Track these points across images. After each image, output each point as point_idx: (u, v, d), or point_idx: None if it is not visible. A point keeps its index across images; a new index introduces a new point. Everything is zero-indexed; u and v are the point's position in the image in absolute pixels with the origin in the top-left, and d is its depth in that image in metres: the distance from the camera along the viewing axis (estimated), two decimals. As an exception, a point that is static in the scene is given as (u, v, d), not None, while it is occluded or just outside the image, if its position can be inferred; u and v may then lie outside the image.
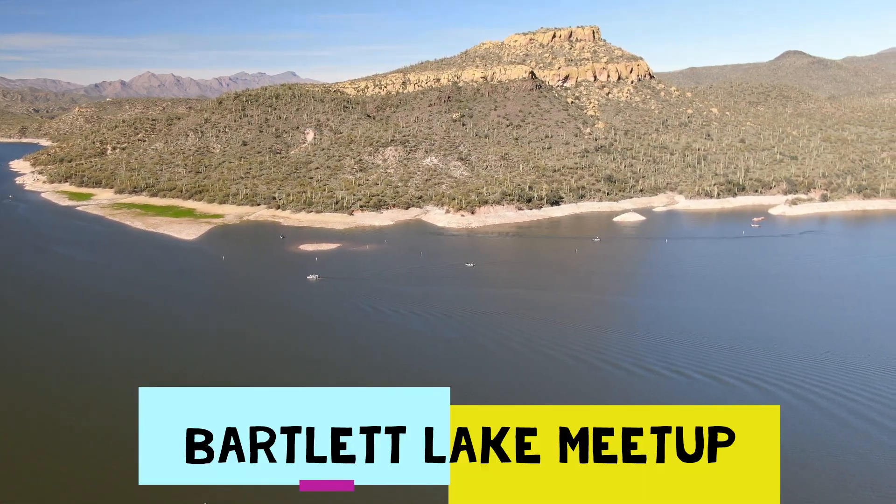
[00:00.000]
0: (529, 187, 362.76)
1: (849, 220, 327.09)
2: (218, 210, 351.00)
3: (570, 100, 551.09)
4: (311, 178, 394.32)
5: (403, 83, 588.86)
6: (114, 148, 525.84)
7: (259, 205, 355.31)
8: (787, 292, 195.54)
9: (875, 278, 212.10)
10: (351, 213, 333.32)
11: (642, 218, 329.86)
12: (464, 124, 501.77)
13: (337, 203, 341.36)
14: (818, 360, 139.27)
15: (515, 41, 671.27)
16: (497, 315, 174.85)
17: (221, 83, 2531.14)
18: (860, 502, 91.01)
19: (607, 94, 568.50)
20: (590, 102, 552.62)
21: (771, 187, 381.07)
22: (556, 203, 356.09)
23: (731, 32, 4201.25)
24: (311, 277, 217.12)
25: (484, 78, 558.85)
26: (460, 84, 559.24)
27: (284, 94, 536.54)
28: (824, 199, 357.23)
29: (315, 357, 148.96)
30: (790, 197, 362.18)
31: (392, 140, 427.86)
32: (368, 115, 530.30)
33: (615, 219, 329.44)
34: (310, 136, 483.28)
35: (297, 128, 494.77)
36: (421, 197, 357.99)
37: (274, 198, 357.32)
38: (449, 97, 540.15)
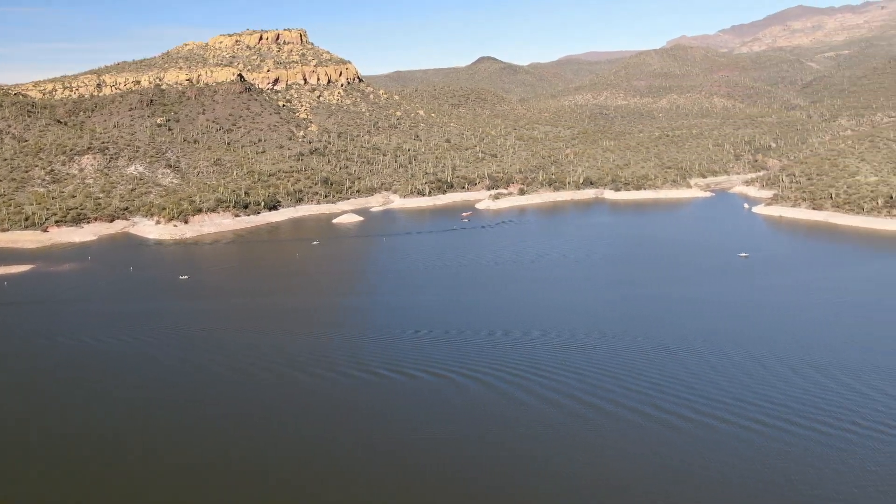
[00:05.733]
0: (245, 193, 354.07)
1: (542, 210, 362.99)
2: None
3: (281, 103, 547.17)
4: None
5: (98, 85, 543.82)
6: None
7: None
8: (478, 280, 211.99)
9: (561, 262, 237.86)
10: (45, 230, 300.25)
11: (360, 218, 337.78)
12: (170, 129, 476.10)
13: (27, 219, 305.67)
14: (472, 345, 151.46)
15: (221, 42, 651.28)
16: (203, 331, 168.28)
17: None
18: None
19: (318, 96, 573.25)
20: (301, 105, 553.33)
21: (476, 184, 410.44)
22: (273, 208, 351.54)
23: (432, 38, 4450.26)
24: None
25: (189, 80, 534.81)
26: (163, 87, 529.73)
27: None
28: (521, 192, 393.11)
29: None
30: (493, 192, 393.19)
31: (89, 147, 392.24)
32: (59, 121, 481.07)
33: (334, 220, 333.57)
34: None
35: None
36: (127, 208, 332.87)
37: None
38: (152, 100, 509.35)
